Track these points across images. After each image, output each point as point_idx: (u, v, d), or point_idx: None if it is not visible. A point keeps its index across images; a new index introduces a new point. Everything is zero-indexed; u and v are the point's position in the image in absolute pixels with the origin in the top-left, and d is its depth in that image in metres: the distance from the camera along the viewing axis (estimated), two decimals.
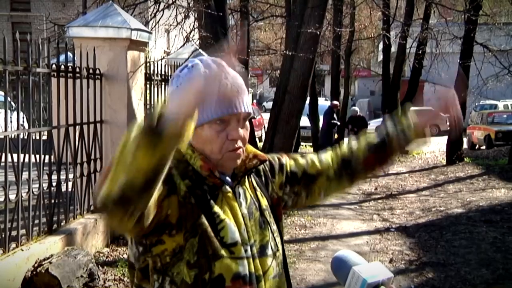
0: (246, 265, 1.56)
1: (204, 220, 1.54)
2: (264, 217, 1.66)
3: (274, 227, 1.68)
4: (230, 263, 1.54)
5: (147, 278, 1.57)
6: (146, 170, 1.28)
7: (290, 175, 1.78)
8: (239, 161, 1.61)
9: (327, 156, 1.83)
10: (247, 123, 1.62)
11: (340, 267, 1.54)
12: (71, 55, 5.94)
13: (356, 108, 18.09)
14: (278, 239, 1.68)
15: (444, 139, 16.20)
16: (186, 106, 1.28)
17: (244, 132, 1.60)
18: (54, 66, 5.59)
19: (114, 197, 1.29)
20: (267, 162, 1.76)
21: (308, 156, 1.84)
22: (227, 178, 1.63)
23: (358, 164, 1.80)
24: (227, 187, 1.60)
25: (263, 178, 1.75)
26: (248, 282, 1.55)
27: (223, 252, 1.53)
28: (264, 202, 1.69)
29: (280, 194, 1.77)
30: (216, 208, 1.57)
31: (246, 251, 1.57)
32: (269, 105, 32.76)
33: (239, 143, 1.58)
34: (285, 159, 1.82)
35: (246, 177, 1.67)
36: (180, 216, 1.52)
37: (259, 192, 1.70)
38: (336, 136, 17.26)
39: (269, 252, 1.63)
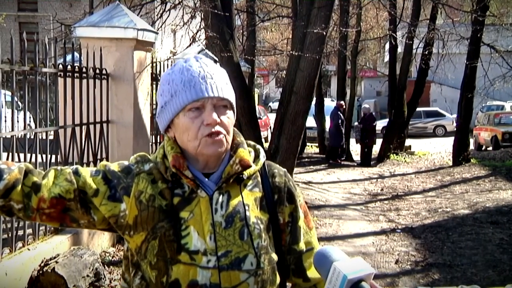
0: (207, 275, 1.52)
1: (164, 224, 1.54)
2: (249, 229, 1.57)
3: (264, 244, 1.59)
4: (188, 270, 1.52)
5: (128, 270, 1.65)
6: None
7: (288, 223, 1.70)
8: (220, 149, 1.57)
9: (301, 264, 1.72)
10: (229, 112, 1.59)
11: (322, 262, 1.54)
12: (78, 55, 5.96)
13: (367, 105, 18.07)
14: (265, 257, 1.59)
15: (450, 140, 16.15)
16: None
17: (226, 120, 1.57)
18: (60, 66, 5.60)
19: None
20: (286, 189, 1.69)
21: (306, 265, 1.72)
22: (210, 181, 1.59)
23: None
24: (203, 192, 1.57)
25: (276, 196, 1.67)
26: None
27: (181, 257, 1.52)
28: (261, 216, 1.62)
29: (287, 220, 1.69)
30: (184, 214, 1.55)
31: (209, 261, 1.52)
32: (275, 105, 32.78)
33: (217, 128, 1.55)
34: (300, 214, 1.72)
35: (237, 184, 1.61)
36: (139, 218, 1.56)
37: (257, 205, 1.63)
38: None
39: (246, 267, 1.55)
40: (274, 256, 1.63)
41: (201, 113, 1.55)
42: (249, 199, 1.62)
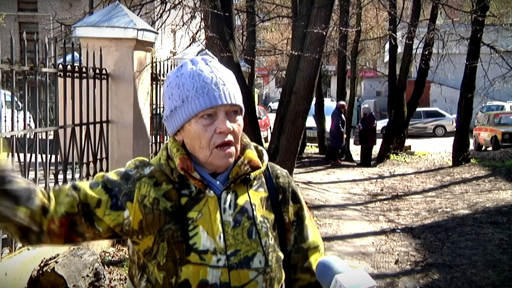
0: (217, 274, 1.53)
1: (171, 225, 1.54)
2: (257, 228, 1.59)
3: (271, 242, 1.62)
4: (198, 270, 1.52)
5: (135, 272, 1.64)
6: None
7: (294, 222, 1.73)
8: (231, 159, 1.58)
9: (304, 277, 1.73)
10: (239, 118, 1.60)
11: (324, 273, 1.55)
12: (78, 55, 5.96)
13: (367, 106, 18.07)
14: (272, 255, 1.61)
15: (450, 140, 16.15)
16: None
17: (236, 127, 1.57)
18: (60, 66, 5.60)
19: None
20: (290, 189, 1.72)
21: (308, 252, 1.74)
22: (217, 182, 1.60)
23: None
24: (211, 192, 1.58)
25: (281, 196, 1.70)
26: None
27: (190, 258, 1.52)
28: (267, 216, 1.64)
29: (291, 220, 1.71)
30: (192, 214, 1.55)
31: (219, 260, 1.53)
32: (275, 105, 32.80)
33: (229, 137, 1.55)
34: (305, 213, 1.75)
35: (244, 184, 1.63)
36: (145, 222, 1.55)
37: (263, 204, 1.65)
38: (345, 136, 17.24)
39: (254, 265, 1.57)
40: (281, 254, 1.65)
41: (213, 120, 1.55)
42: (255, 199, 1.64)
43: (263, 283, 1.57)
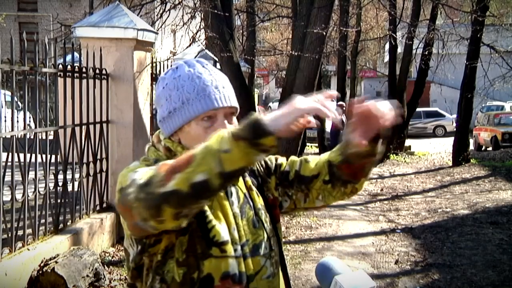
0: (236, 264, 1.57)
1: (192, 218, 1.55)
2: (258, 216, 1.67)
3: (270, 227, 1.70)
4: (220, 262, 1.55)
5: (140, 277, 1.61)
6: (229, 173, 1.35)
7: (283, 176, 1.78)
8: None
9: (323, 159, 1.78)
10: (235, 119, 1.65)
11: (324, 274, 1.57)
12: (78, 55, 5.97)
13: None
14: (273, 240, 1.68)
15: (450, 140, 16.16)
16: (290, 118, 1.41)
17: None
18: (60, 66, 5.61)
19: (180, 194, 1.34)
20: (263, 163, 1.79)
21: (303, 159, 1.81)
22: None
23: (339, 170, 1.72)
24: None
25: (259, 179, 1.77)
26: (237, 281, 1.56)
27: (212, 251, 1.55)
28: (260, 202, 1.71)
29: (276, 195, 1.78)
30: (206, 207, 1.58)
31: (236, 250, 1.58)
32: (275, 105, 32.79)
33: None
34: (282, 160, 1.83)
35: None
36: None
37: (254, 192, 1.72)
38: None
39: (263, 252, 1.63)
40: (277, 238, 1.72)
41: (213, 122, 1.59)
42: (249, 188, 1.72)
43: (271, 267, 1.64)
